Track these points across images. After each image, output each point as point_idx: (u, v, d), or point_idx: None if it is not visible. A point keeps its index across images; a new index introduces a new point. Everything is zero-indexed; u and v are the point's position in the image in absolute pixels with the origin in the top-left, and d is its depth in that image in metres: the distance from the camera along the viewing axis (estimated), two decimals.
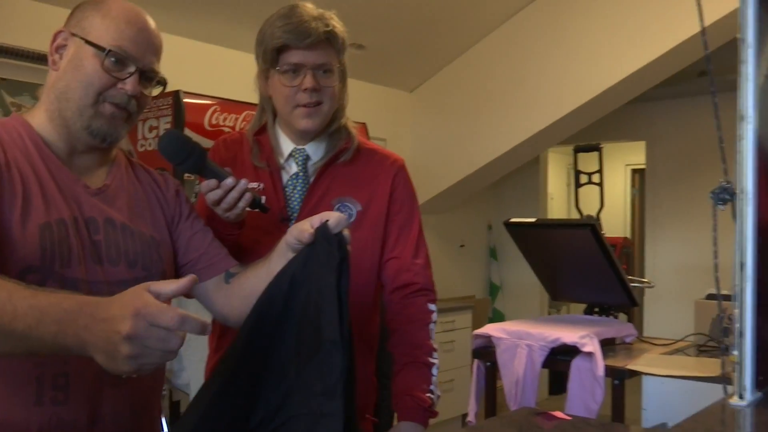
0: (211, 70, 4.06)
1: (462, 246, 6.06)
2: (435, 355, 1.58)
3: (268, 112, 1.64)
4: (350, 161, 1.62)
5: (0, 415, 1.14)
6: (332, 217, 1.20)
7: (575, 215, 7.59)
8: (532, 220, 3.28)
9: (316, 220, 1.22)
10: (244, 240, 1.56)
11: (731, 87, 1.92)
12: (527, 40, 4.76)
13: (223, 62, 4.16)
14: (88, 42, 1.26)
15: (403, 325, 1.60)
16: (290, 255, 1.24)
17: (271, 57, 1.54)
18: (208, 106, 3.42)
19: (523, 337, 2.90)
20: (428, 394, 1.52)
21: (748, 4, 1.85)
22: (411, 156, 5.46)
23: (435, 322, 1.62)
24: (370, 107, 5.10)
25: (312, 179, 1.60)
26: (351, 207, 1.58)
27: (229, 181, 1.39)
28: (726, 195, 1.85)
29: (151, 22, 1.33)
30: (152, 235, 1.36)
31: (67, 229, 1.21)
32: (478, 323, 5.06)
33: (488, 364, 3.00)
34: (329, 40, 1.53)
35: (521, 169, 5.79)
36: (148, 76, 1.33)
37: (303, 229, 1.22)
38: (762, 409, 1.69)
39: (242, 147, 1.65)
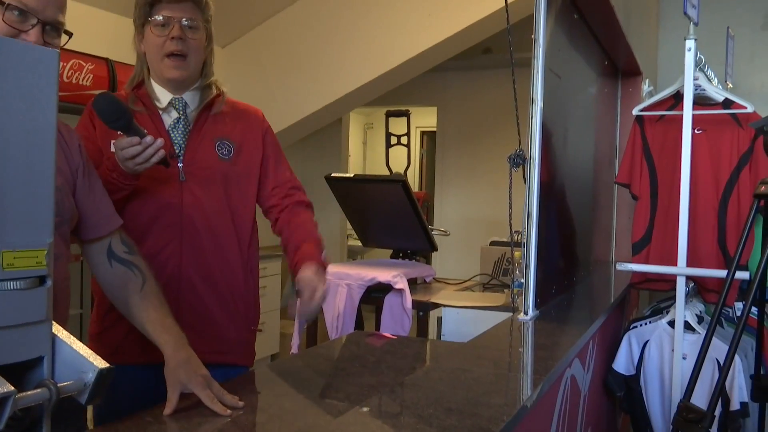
0: None
1: None
2: (324, 254, 1.90)
3: (144, 69, 1.87)
4: (222, 112, 1.89)
5: None
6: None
7: (372, 171, 8.20)
8: (351, 175, 3.69)
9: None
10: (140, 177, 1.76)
11: (510, 64, 2.42)
12: (338, 7, 5.12)
13: None
14: None
15: (302, 221, 1.94)
16: None
17: (143, 12, 1.79)
18: None
19: (343, 277, 3.33)
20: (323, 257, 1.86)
21: (540, 12, 2.37)
22: None
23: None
24: None
25: (192, 123, 1.85)
26: (229, 144, 1.87)
27: (149, 138, 1.60)
28: (519, 160, 2.38)
29: None
30: (62, 183, 1.47)
31: None
32: (285, 271, 5.44)
33: None
34: (195, 1, 1.79)
35: (324, 128, 6.20)
36: (54, 27, 1.42)
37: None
38: (540, 322, 2.26)
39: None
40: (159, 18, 1.76)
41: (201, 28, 1.81)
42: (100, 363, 0.74)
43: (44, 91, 0.72)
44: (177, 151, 1.81)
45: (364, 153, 8.50)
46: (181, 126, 1.84)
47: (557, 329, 2.24)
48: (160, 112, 1.84)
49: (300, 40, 5.30)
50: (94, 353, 0.74)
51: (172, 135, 1.83)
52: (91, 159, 1.72)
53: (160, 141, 1.62)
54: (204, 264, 1.81)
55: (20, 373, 0.73)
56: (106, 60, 3.74)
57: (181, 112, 1.85)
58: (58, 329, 0.75)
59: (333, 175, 3.63)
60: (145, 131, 1.63)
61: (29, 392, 0.68)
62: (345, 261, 6.51)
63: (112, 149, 1.76)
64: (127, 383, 1.73)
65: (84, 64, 3.61)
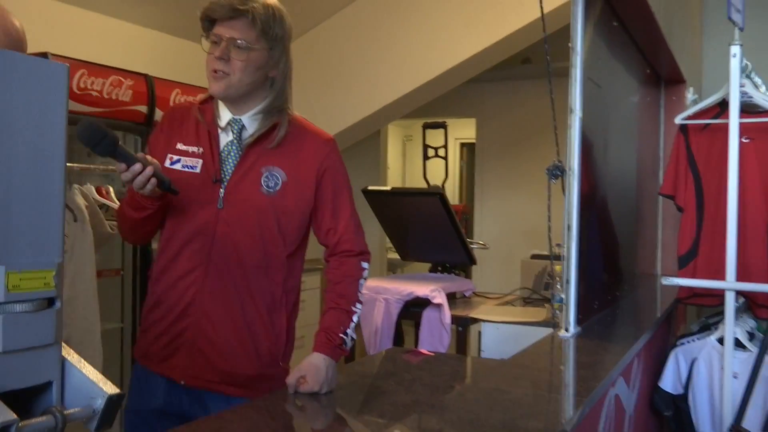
0: (80, 33, 4.05)
1: None
2: (358, 306, 1.82)
3: None
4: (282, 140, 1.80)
5: None
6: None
7: (411, 184, 8.16)
8: (388, 188, 3.66)
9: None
10: (179, 198, 1.75)
11: (547, 73, 2.35)
12: (375, 19, 5.11)
13: (91, 26, 4.15)
14: None
15: (337, 278, 1.84)
16: None
17: (203, 27, 1.76)
18: (76, 69, 3.44)
19: (381, 291, 3.29)
20: (341, 335, 1.77)
21: (578, 19, 2.31)
22: None
23: (365, 278, 1.87)
24: None
25: (245, 148, 1.78)
26: (278, 176, 1.78)
27: (136, 167, 1.58)
28: (558, 171, 2.31)
29: None
30: None
31: None
32: (324, 285, 5.42)
33: None
34: (248, 18, 1.69)
35: (362, 140, 6.17)
36: None
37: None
38: (582, 338, 2.18)
39: (189, 114, 1.83)
40: (211, 36, 1.74)
41: (254, 48, 1.72)
42: (110, 389, 0.71)
43: (54, 106, 0.69)
44: (222, 176, 1.76)
45: (404, 165, 8.46)
46: (233, 150, 1.78)
47: (600, 347, 2.16)
48: (220, 131, 1.80)
49: (337, 53, 5.29)
50: (104, 378, 0.71)
51: (223, 158, 1.78)
52: None
53: (148, 170, 1.59)
54: (225, 295, 1.76)
55: (28, 398, 0.70)
56: (145, 76, 3.77)
57: (235, 135, 1.79)
58: (68, 352, 0.73)
59: (369, 188, 3.60)
60: (140, 157, 1.61)
61: (33, 420, 0.65)
62: (384, 275, 6.47)
63: (166, 163, 1.78)
64: (153, 386, 1.79)
65: (123, 80, 3.63)
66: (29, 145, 0.67)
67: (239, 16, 1.70)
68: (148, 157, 1.64)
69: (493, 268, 5.50)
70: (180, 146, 1.79)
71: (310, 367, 1.72)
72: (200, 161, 1.76)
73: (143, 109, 3.72)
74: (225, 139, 1.80)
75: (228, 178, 1.77)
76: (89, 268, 3.27)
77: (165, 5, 4.16)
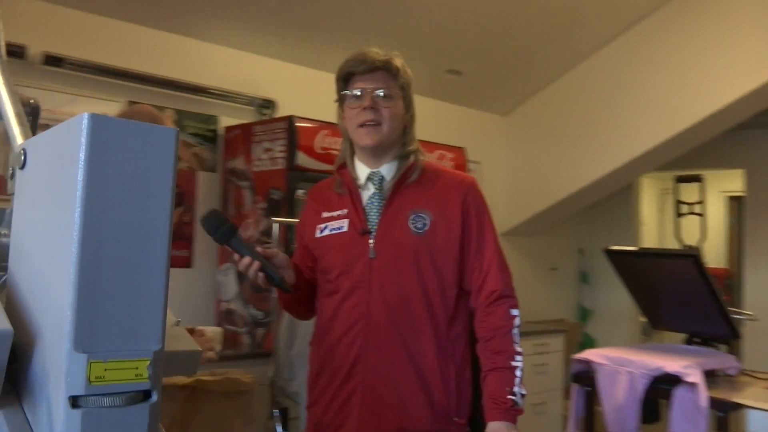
0: (322, 96, 4.28)
1: (554, 269, 6.09)
2: (518, 358, 1.72)
3: (346, 143, 1.86)
4: (421, 181, 1.81)
5: None
6: None
7: (669, 243, 7.48)
8: (634, 248, 3.32)
9: None
10: (333, 259, 1.79)
11: None
12: (622, 68, 4.78)
13: (333, 89, 4.40)
14: None
15: (488, 333, 1.75)
16: None
17: (340, 87, 1.82)
18: (319, 129, 3.61)
19: (624, 364, 2.94)
20: (509, 396, 1.65)
21: None
22: (505, 179, 5.55)
23: (518, 326, 1.75)
24: (465, 131, 5.23)
25: (387, 196, 1.79)
26: (425, 217, 1.76)
27: (246, 260, 1.62)
28: None
29: None
30: None
31: None
32: (569, 347, 5.08)
33: (588, 389, 3.05)
34: (387, 69, 1.78)
35: (613, 193, 5.78)
36: None
37: None
38: None
39: (329, 186, 1.90)
40: (354, 91, 1.79)
41: (396, 96, 1.79)
42: None
43: (159, 174, 0.62)
44: (369, 227, 1.78)
45: (662, 221, 7.80)
46: (376, 201, 1.81)
47: None
48: (360, 189, 1.83)
49: (582, 103, 5.04)
50: None
51: (368, 210, 1.80)
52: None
53: (255, 264, 1.62)
54: (390, 346, 1.72)
55: None
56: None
57: (377, 187, 1.82)
58: None
59: (612, 248, 3.28)
60: (256, 251, 1.64)
61: None
62: (637, 339, 5.93)
63: (316, 234, 1.84)
64: None
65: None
66: (125, 216, 0.61)
67: (379, 68, 1.77)
68: (272, 251, 1.70)
69: (765, 342, 4.76)
70: (325, 214, 1.84)
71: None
72: (347, 220, 1.80)
73: None
74: (366, 194, 1.82)
75: (375, 227, 1.77)
76: None
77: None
